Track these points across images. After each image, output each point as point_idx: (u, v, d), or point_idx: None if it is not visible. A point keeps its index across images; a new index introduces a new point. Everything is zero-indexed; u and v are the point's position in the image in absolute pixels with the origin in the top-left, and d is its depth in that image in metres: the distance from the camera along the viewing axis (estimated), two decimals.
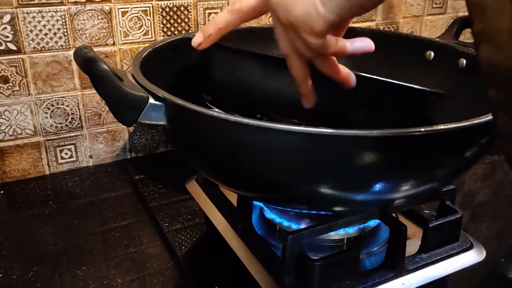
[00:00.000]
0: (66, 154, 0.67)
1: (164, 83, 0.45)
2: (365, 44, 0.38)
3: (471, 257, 0.49)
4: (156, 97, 0.40)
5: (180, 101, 0.38)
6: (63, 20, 0.61)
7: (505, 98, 0.19)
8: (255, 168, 0.39)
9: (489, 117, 0.36)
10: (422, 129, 0.34)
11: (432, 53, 0.60)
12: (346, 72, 0.42)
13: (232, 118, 0.35)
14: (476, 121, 0.36)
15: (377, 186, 0.39)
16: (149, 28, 0.67)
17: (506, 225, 0.57)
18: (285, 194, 0.41)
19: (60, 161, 0.67)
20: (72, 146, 0.67)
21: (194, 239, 0.54)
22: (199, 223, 0.57)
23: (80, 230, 0.55)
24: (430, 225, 0.48)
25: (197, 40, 0.45)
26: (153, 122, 0.41)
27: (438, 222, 0.48)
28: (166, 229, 0.55)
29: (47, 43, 0.61)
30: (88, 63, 0.39)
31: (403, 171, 0.38)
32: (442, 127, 0.35)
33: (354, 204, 0.42)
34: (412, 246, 0.49)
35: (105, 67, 0.38)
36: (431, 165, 0.39)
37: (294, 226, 0.50)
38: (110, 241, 0.53)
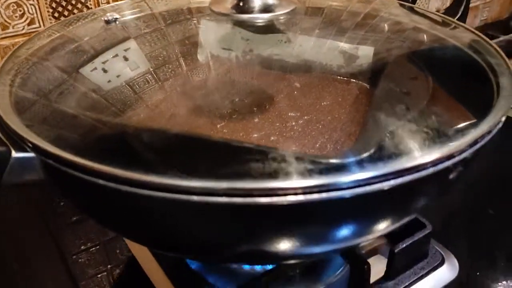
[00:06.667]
0: None
1: None
2: None
3: (444, 275, 0.43)
4: (21, 148, 0.29)
5: (51, 161, 0.27)
6: None
7: None
8: (169, 237, 0.29)
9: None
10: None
11: None
12: None
13: (124, 188, 0.25)
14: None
15: (333, 241, 0.30)
16: (34, 15, 0.52)
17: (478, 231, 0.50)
18: (214, 257, 0.32)
19: None
20: None
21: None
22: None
23: None
24: (396, 250, 0.40)
25: None
26: (25, 180, 0.30)
27: (404, 245, 0.40)
28: (70, 255, 0.45)
29: None
30: None
31: (364, 224, 0.29)
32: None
33: (306, 257, 0.33)
34: (376, 266, 0.41)
35: None
36: (399, 211, 0.30)
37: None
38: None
